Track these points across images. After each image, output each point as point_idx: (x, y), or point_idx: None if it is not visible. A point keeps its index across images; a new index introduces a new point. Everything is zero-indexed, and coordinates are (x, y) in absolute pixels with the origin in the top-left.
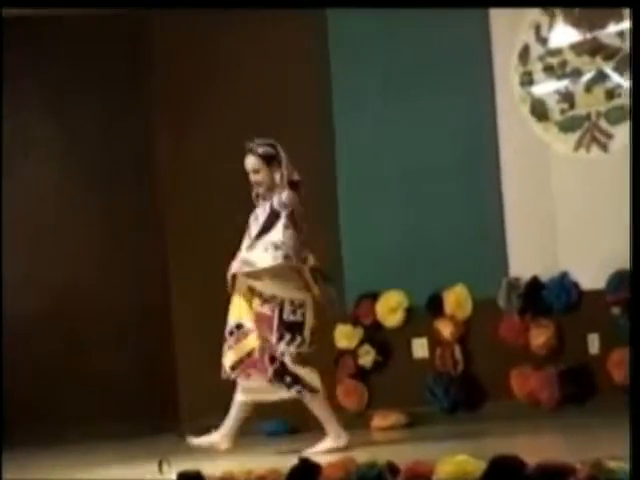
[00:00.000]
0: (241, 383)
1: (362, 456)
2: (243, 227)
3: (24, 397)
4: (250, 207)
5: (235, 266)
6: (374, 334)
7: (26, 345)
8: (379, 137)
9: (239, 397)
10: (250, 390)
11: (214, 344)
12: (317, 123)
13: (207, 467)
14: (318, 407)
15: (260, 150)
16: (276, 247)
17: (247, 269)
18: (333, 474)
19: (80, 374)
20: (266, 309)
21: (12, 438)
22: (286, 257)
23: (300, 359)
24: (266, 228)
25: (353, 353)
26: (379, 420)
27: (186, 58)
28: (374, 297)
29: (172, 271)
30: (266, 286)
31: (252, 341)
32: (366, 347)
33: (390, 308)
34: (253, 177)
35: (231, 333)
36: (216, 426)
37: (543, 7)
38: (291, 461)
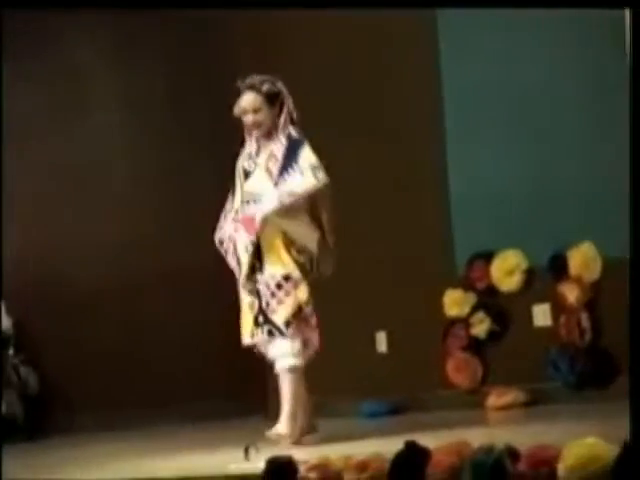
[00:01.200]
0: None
1: (477, 439)
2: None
3: (94, 376)
4: None
5: (265, 205)
6: (489, 300)
7: (89, 315)
8: (489, 81)
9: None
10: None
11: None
12: (423, 73)
13: (300, 453)
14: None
15: (264, 88)
16: (314, 168)
17: (287, 200)
18: (444, 460)
19: (155, 349)
20: (302, 259)
21: (84, 421)
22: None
23: None
24: (290, 158)
25: (465, 322)
26: (495, 398)
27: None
28: (488, 258)
29: None
30: (299, 232)
31: (303, 293)
32: (480, 315)
33: (507, 270)
34: (252, 117)
35: (279, 286)
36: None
37: (543, 7)
38: (395, 445)
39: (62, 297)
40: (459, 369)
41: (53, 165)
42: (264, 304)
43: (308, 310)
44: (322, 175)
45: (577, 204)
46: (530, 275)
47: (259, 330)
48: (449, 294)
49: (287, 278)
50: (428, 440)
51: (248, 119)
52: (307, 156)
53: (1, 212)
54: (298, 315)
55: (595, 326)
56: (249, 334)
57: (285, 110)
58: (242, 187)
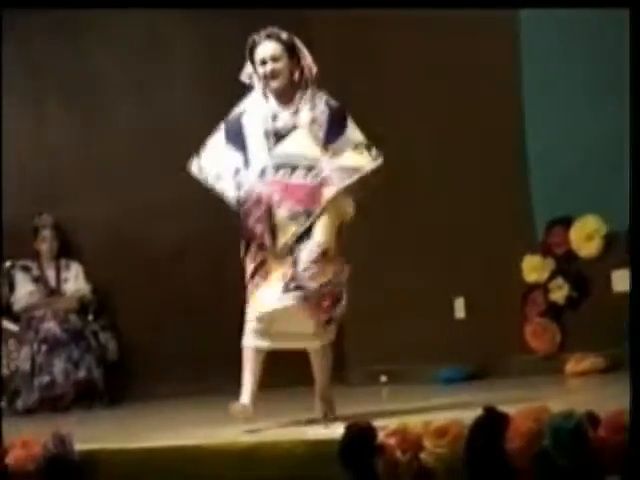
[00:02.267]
0: None
1: (556, 405)
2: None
3: (172, 344)
4: None
5: (334, 180)
6: (568, 266)
7: (169, 280)
8: (567, 43)
9: None
10: None
11: (380, 289)
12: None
13: (379, 418)
14: None
15: (283, 36)
16: (368, 147)
17: (356, 175)
18: (523, 425)
19: (232, 315)
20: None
21: (161, 388)
22: None
23: None
24: (336, 127)
25: (544, 288)
26: (574, 364)
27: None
28: (567, 223)
29: None
30: (345, 206)
31: (339, 265)
32: (559, 281)
33: (586, 235)
34: (271, 66)
35: (316, 260)
36: (385, 372)
37: (543, 7)
38: (474, 411)
39: (141, 264)
40: (537, 335)
41: (132, 133)
42: (301, 270)
43: (339, 282)
44: (376, 152)
45: None
46: (609, 240)
47: (288, 296)
48: (528, 260)
49: (325, 253)
50: (507, 406)
51: (267, 69)
52: (355, 131)
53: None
54: (330, 285)
55: None
56: (275, 299)
57: (299, 66)
58: (270, 148)
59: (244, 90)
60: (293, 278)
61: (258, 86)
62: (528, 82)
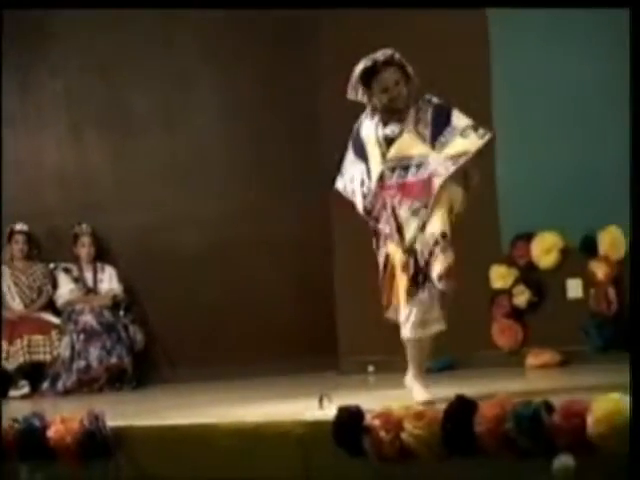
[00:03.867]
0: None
1: (518, 394)
2: None
3: (192, 335)
4: None
5: (440, 170)
6: (529, 274)
7: (189, 281)
8: (536, 71)
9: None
10: None
11: (373, 281)
12: (475, 56)
13: (366, 402)
14: None
15: (397, 57)
16: (475, 128)
17: (462, 161)
18: (490, 412)
19: (245, 312)
20: (453, 219)
21: (183, 373)
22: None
23: None
24: (441, 121)
25: (508, 293)
26: (533, 358)
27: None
28: (529, 237)
29: (333, 209)
30: (457, 192)
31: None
32: (521, 287)
33: (545, 249)
34: (395, 90)
35: (436, 243)
36: (373, 362)
37: (542, 7)
38: (448, 397)
39: (167, 266)
40: (503, 333)
41: (159, 154)
42: (422, 263)
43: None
44: (484, 130)
45: (606, 191)
46: (565, 253)
47: (420, 290)
48: (495, 269)
49: (444, 236)
50: (476, 394)
51: (391, 94)
52: (461, 117)
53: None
54: (449, 272)
55: (620, 299)
56: (407, 293)
57: (411, 75)
58: (383, 155)
59: (258, 119)
60: (418, 270)
61: (369, 105)
62: (497, 104)
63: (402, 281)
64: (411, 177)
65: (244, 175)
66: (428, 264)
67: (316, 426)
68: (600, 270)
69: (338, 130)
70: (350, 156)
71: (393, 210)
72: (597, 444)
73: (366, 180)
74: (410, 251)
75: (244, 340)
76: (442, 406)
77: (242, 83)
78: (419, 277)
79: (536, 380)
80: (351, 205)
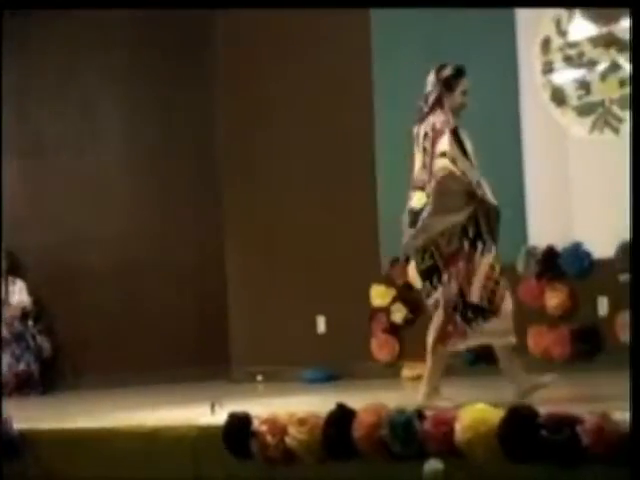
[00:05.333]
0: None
1: (393, 403)
2: (292, 184)
3: (96, 345)
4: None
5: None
6: (406, 294)
7: (93, 295)
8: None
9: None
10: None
11: (263, 305)
12: (358, 91)
13: (254, 409)
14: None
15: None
16: None
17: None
18: (366, 418)
19: (142, 324)
20: None
21: (87, 380)
22: None
23: None
24: None
25: (386, 310)
26: (407, 370)
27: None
28: (406, 260)
29: (227, 227)
30: None
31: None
32: (398, 305)
33: None
34: (467, 98)
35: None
36: (262, 372)
37: (542, 7)
38: (330, 405)
39: (72, 280)
40: (381, 347)
41: (68, 178)
42: None
43: None
44: None
45: None
46: None
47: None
48: (374, 288)
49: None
50: (356, 402)
51: (464, 100)
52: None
53: None
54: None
55: None
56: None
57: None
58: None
59: (154, 141)
60: None
61: (448, 105)
62: (379, 129)
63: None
64: None
65: (144, 196)
66: None
67: (208, 431)
68: None
69: (234, 149)
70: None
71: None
72: (464, 450)
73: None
74: None
75: (144, 350)
76: (324, 413)
77: (141, 107)
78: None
79: (410, 391)
80: (245, 222)
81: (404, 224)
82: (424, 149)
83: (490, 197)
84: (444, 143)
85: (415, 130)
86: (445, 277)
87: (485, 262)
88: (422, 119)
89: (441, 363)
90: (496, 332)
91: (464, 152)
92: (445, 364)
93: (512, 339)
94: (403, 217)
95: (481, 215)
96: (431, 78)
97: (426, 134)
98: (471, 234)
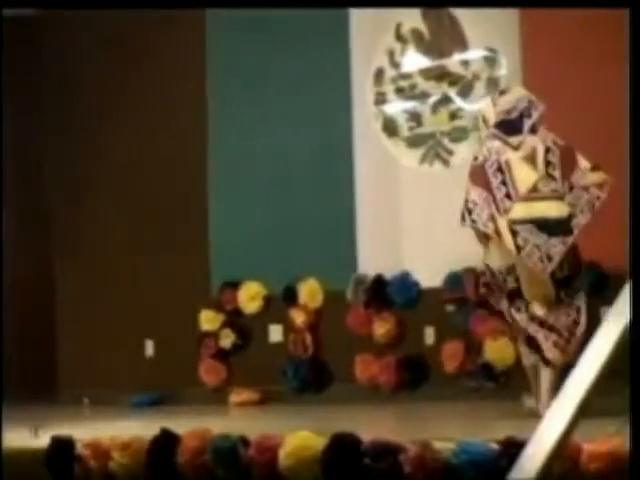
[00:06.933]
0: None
1: (219, 428)
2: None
3: None
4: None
5: None
6: (235, 319)
7: None
8: (249, 135)
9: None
10: None
11: (93, 317)
12: (192, 109)
13: (79, 433)
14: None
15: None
16: None
17: None
18: (190, 443)
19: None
20: None
21: None
22: None
23: None
24: None
25: (215, 336)
26: (235, 396)
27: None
28: (236, 285)
29: (56, 248)
30: None
31: None
32: (227, 330)
33: (250, 296)
34: None
35: None
36: (88, 395)
37: (541, 7)
38: (155, 430)
39: None
40: (209, 372)
41: None
42: None
43: None
44: None
45: (307, 248)
46: (268, 301)
47: None
48: (203, 313)
49: None
50: (182, 427)
51: None
52: None
53: None
54: None
55: (316, 344)
56: None
57: None
58: None
59: None
60: None
61: (489, 120)
62: (213, 165)
63: None
64: None
65: None
66: None
67: (30, 454)
68: (299, 317)
69: (60, 161)
70: None
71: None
72: (287, 476)
73: None
74: None
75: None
76: (149, 437)
77: None
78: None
79: (237, 416)
80: (74, 243)
81: (528, 232)
82: (547, 162)
83: None
84: (582, 159)
85: (516, 141)
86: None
87: None
88: (518, 131)
89: None
90: None
91: None
92: None
93: None
94: (522, 227)
95: None
96: (516, 95)
97: (549, 148)
98: None
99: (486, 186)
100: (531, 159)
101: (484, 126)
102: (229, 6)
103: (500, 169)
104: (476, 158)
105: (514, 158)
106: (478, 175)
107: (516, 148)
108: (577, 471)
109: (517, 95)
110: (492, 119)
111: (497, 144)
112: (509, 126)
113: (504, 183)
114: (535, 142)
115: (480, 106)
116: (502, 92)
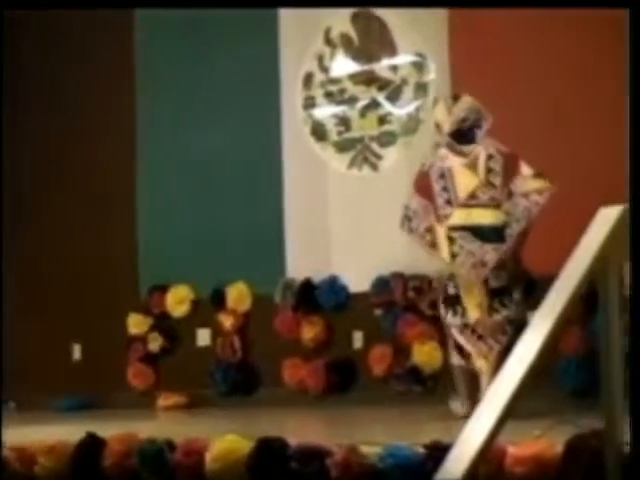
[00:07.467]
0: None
1: (146, 432)
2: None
3: None
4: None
5: None
6: (163, 323)
7: None
8: (178, 137)
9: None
10: None
11: (18, 320)
12: (120, 117)
13: (4, 438)
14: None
15: None
16: None
17: None
18: (116, 447)
19: None
20: None
21: None
22: None
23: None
24: None
25: (143, 339)
26: (163, 400)
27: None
28: (164, 289)
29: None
30: None
31: None
32: (155, 334)
33: (178, 300)
34: None
35: None
36: (14, 400)
37: (541, 7)
38: (82, 434)
39: None
40: (137, 376)
41: None
42: None
43: None
44: None
45: (236, 252)
46: (196, 305)
47: None
48: (132, 317)
49: None
50: (109, 431)
51: None
52: None
53: None
54: None
55: (245, 347)
56: None
57: None
58: None
59: None
60: None
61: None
62: (142, 170)
63: None
64: None
65: None
66: None
67: None
68: (227, 321)
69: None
70: None
71: None
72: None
73: None
74: None
75: None
76: (74, 441)
77: None
78: None
79: (165, 420)
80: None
81: (463, 239)
82: (489, 169)
83: None
84: (525, 166)
85: (467, 150)
86: (516, 296)
87: None
88: (470, 141)
89: None
90: None
91: None
92: None
93: None
94: (459, 234)
95: None
96: (468, 104)
97: (491, 156)
98: None
99: (428, 194)
100: (473, 166)
101: (437, 132)
102: (156, 6)
103: (442, 175)
104: (423, 165)
105: (457, 165)
106: (423, 182)
107: (466, 156)
108: (502, 474)
109: (468, 104)
110: (447, 127)
111: (443, 151)
112: (462, 135)
113: (446, 189)
114: (478, 150)
115: (435, 112)
116: (455, 98)
